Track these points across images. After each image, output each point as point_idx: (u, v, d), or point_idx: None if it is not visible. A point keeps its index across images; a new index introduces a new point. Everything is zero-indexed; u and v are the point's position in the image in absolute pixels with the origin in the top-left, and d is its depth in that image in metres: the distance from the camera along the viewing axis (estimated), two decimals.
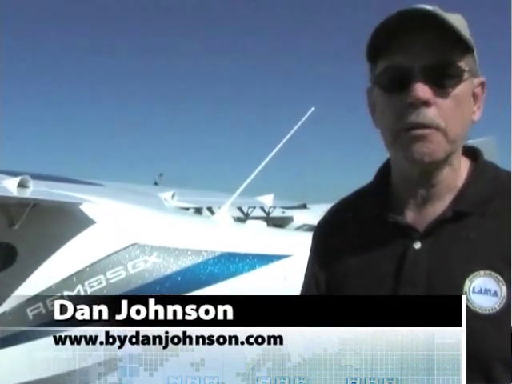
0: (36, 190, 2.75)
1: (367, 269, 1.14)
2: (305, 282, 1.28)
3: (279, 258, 2.90)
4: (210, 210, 4.80)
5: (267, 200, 5.68)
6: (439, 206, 1.11)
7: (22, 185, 2.71)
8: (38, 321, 3.00)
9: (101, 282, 2.79)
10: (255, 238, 3.09)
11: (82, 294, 2.76)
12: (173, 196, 4.13)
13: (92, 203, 2.96)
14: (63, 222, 2.92)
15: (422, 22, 1.02)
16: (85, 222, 2.88)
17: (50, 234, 2.91)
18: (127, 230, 2.94)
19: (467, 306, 1.05)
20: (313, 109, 3.84)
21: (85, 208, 2.91)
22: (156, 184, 7.34)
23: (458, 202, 1.10)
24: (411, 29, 1.03)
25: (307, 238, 3.62)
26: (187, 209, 4.37)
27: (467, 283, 1.06)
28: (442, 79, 1.05)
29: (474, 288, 1.06)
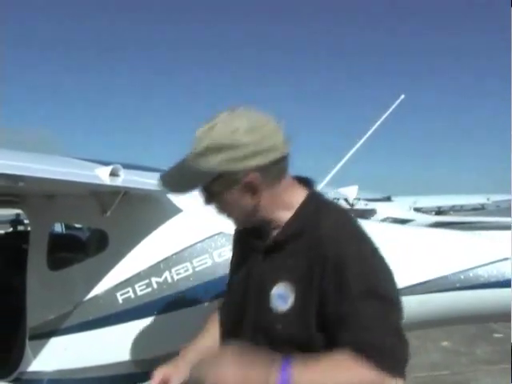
0: (126, 179, 2.82)
1: (241, 269, 1.73)
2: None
3: None
4: None
5: (351, 192, 5.54)
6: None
7: (113, 173, 2.78)
8: (127, 305, 3.08)
9: (187, 270, 2.83)
10: None
11: (169, 281, 2.81)
12: None
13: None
14: (151, 209, 2.98)
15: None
16: (172, 210, 2.93)
17: (139, 221, 2.98)
18: (213, 219, 2.95)
19: (268, 303, 1.56)
20: (402, 96, 3.66)
21: (172, 197, 2.95)
22: None
23: (280, 233, 1.62)
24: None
25: (392, 231, 3.50)
26: None
27: (274, 288, 1.56)
28: (209, 195, 1.61)
29: (275, 292, 1.56)
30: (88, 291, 2.95)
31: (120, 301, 2.88)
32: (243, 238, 1.77)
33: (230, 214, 1.66)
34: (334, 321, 1.47)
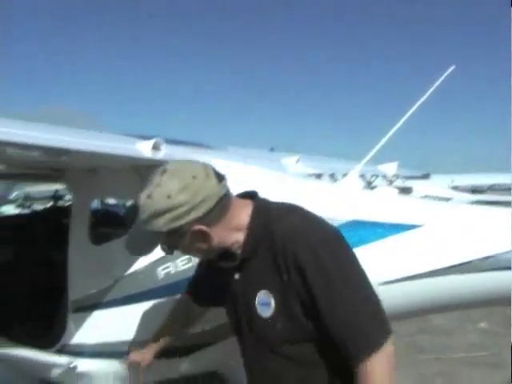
0: (168, 153, 2.80)
1: (221, 286, 1.97)
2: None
3: (410, 227, 2.74)
4: (332, 176, 4.69)
5: (390, 168, 5.39)
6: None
7: (155, 147, 2.77)
8: (167, 279, 3.09)
9: None
10: (386, 205, 2.95)
11: None
12: (297, 161, 4.07)
13: (220, 166, 2.96)
14: None
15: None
16: None
17: None
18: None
19: (257, 312, 1.80)
20: (453, 67, 3.48)
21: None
22: (272, 150, 7.27)
23: (242, 252, 1.83)
24: None
25: (438, 208, 3.38)
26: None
27: (257, 298, 1.80)
28: (168, 247, 1.87)
29: (259, 301, 1.79)
30: (130, 265, 2.96)
31: (161, 275, 2.88)
32: (214, 261, 1.95)
33: (193, 256, 2.12)
34: (309, 312, 1.72)
